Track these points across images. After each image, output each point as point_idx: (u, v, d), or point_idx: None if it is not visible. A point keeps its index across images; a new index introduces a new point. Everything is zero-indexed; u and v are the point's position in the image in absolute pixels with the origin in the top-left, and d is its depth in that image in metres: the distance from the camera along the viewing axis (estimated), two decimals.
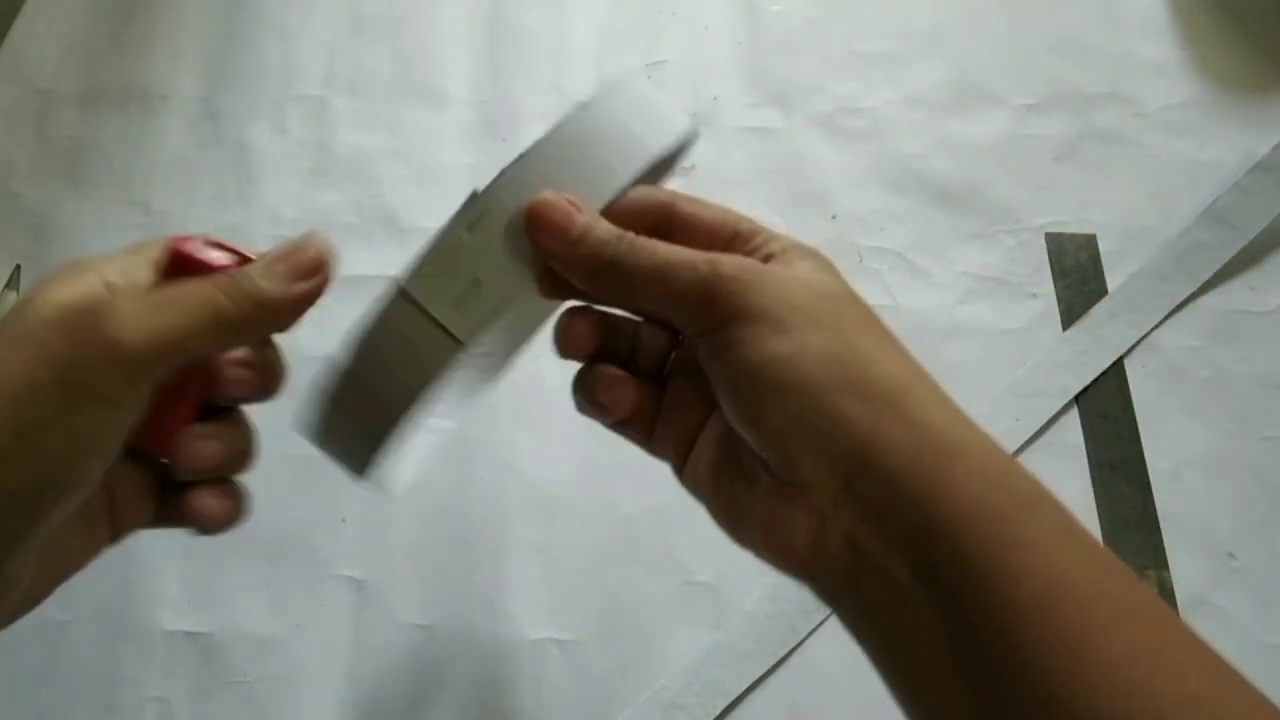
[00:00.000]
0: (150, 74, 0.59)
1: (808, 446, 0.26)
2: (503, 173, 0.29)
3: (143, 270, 0.28)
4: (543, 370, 0.50)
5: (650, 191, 0.31)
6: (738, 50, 0.60)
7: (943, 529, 0.25)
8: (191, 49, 0.60)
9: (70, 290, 0.26)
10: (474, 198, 0.29)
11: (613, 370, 0.32)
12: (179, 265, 0.29)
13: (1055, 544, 0.25)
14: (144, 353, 0.26)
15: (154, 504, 0.31)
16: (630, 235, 0.29)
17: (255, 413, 0.49)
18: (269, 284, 0.28)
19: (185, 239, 0.29)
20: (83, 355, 0.25)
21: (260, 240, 0.54)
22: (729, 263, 0.28)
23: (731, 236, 0.30)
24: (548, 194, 0.28)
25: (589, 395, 0.32)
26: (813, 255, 0.30)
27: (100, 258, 0.28)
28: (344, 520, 0.46)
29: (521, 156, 0.29)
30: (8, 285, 0.52)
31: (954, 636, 0.25)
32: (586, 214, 0.28)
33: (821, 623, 0.44)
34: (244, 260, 0.29)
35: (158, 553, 0.45)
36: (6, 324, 0.26)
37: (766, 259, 0.29)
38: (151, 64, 0.60)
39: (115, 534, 0.30)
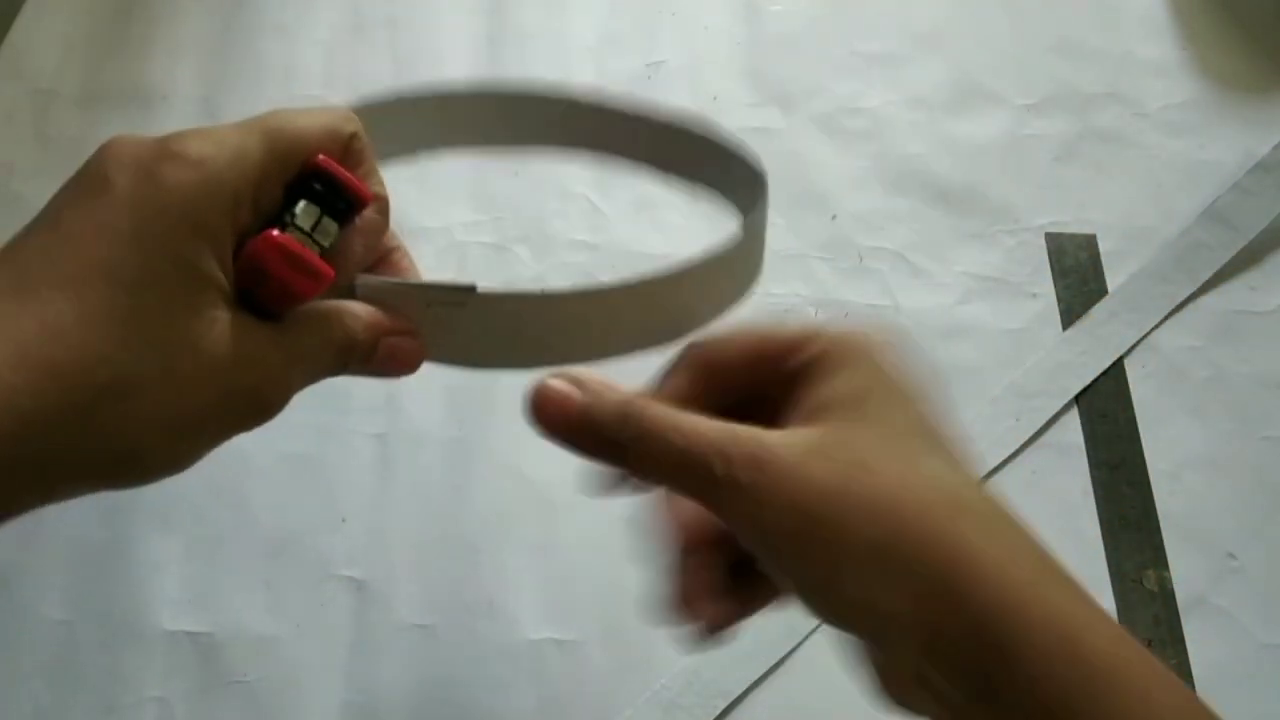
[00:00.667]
0: (150, 74, 0.59)
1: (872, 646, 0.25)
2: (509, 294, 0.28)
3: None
4: (543, 371, 0.50)
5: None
6: (738, 50, 0.60)
7: None
8: (191, 49, 0.60)
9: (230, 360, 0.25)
10: (470, 289, 0.28)
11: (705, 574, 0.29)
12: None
13: None
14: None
15: None
16: (638, 414, 0.26)
17: None
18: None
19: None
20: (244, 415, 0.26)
21: None
22: (745, 463, 0.25)
23: (772, 362, 0.28)
24: (549, 380, 0.27)
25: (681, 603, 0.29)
26: (844, 360, 0.27)
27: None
28: (344, 520, 0.46)
29: (547, 295, 0.28)
30: None
31: None
32: (588, 390, 0.27)
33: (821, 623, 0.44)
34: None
35: (158, 553, 0.45)
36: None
37: (784, 386, 0.27)
38: (151, 64, 0.60)
39: None
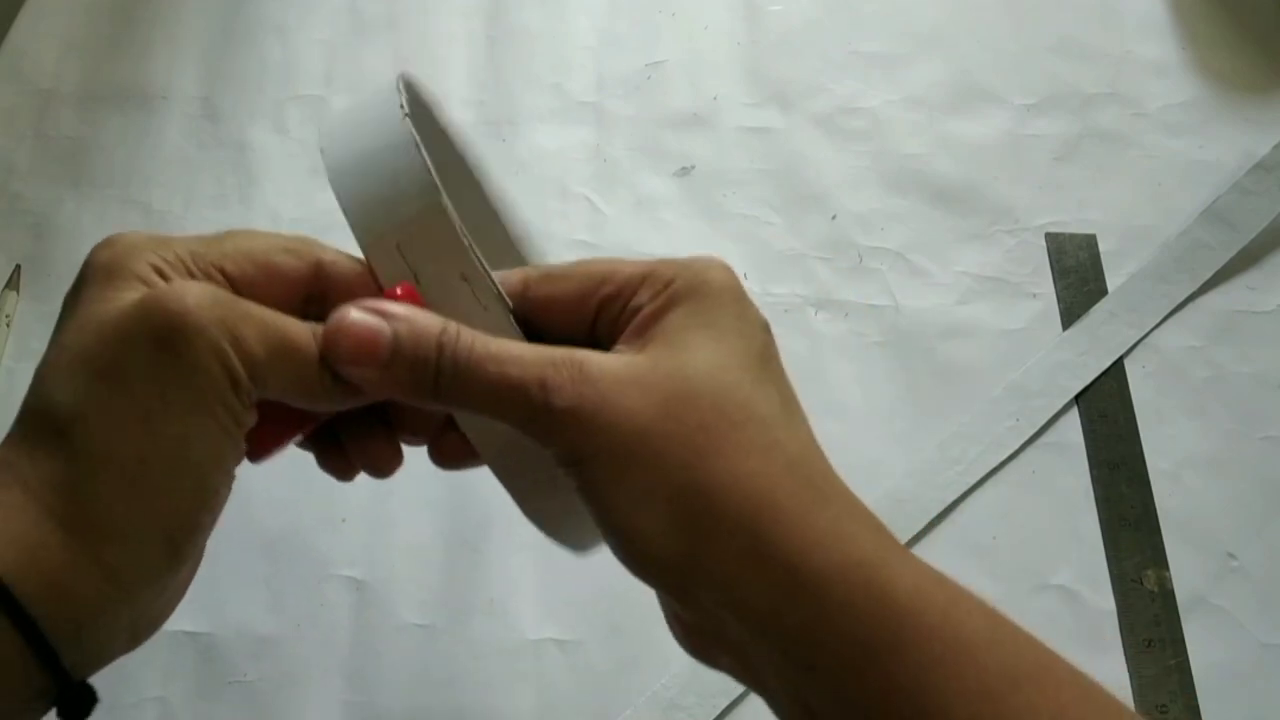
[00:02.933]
0: (150, 74, 0.59)
1: (676, 606, 0.25)
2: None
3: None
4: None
5: (502, 277, 0.28)
6: (738, 50, 0.60)
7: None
8: (191, 49, 0.60)
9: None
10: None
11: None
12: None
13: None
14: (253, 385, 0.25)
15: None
16: (451, 345, 0.24)
17: None
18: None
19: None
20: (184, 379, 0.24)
21: None
22: (562, 387, 0.24)
23: (598, 307, 0.27)
24: (350, 311, 0.25)
25: None
26: (690, 294, 0.26)
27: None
28: (344, 520, 0.46)
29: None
30: (8, 285, 0.52)
31: None
32: (396, 320, 0.25)
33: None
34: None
35: None
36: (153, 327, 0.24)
37: (626, 324, 0.27)
38: (151, 64, 0.60)
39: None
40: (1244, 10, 0.62)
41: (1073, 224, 0.55)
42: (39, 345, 0.52)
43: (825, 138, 0.57)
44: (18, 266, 0.52)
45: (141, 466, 0.23)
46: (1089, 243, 0.54)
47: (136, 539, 0.24)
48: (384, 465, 0.29)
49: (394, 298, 0.26)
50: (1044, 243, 0.54)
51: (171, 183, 0.56)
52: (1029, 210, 0.55)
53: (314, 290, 0.28)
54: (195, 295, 0.24)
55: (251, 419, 0.25)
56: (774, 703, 0.25)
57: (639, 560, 0.25)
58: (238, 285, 0.27)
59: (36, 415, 0.24)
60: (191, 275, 0.26)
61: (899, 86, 0.59)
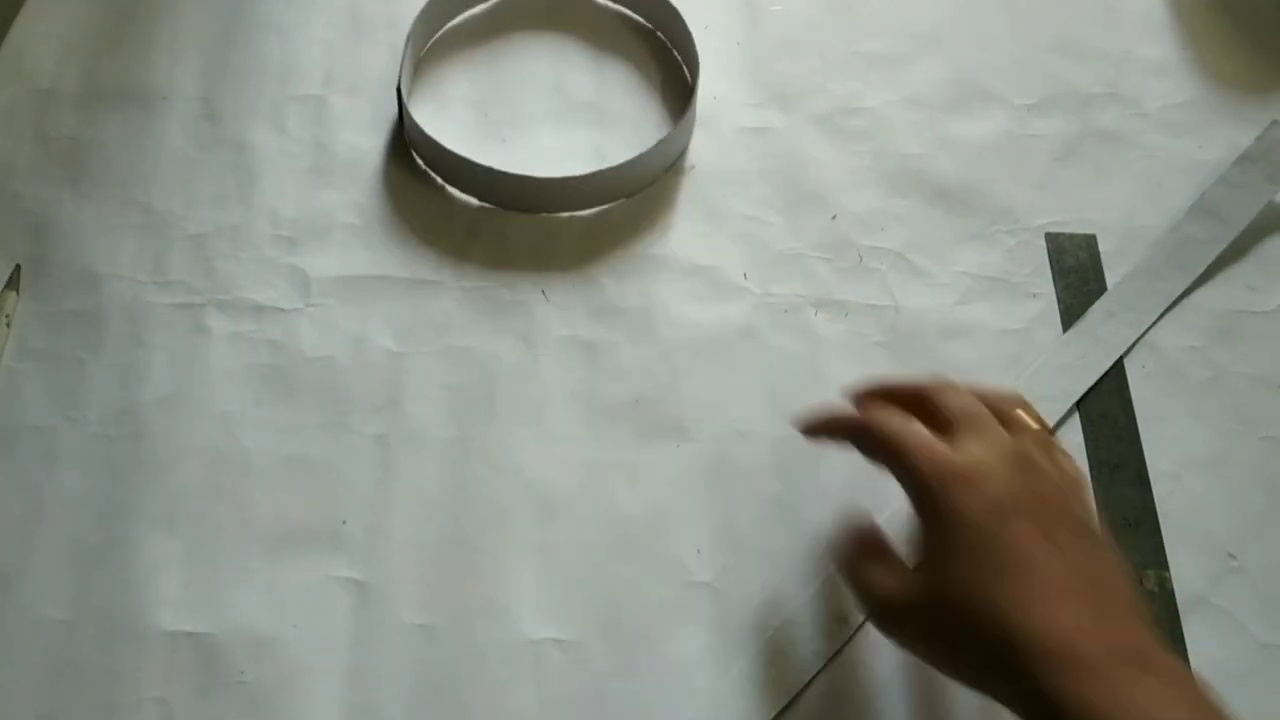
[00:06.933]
0: (150, 74, 0.59)
1: None
2: None
3: None
4: (542, 367, 0.50)
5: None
6: (738, 50, 0.60)
7: None
8: (191, 49, 0.60)
9: None
10: None
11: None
12: None
13: None
14: None
15: None
16: None
17: (257, 410, 0.49)
18: None
19: None
20: None
21: (259, 240, 0.54)
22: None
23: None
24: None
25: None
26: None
27: None
28: (344, 522, 0.46)
29: None
30: (8, 285, 0.52)
31: None
32: None
33: (839, 650, 0.44)
34: None
35: (158, 553, 0.45)
36: None
37: None
38: (151, 64, 0.60)
39: None
40: (1244, 10, 0.62)
41: (1073, 224, 0.55)
42: (39, 345, 0.52)
43: (825, 138, 0.57)
44: (18, 266, 0.52)
45: None
46: (1089, 243, 0.54)
47: None
48: None
49: None
50: (1044, 243, 0.54)
51: (171, 183, 0.56)
52: (1029, 210, 0.55)
53: None
54: None
55: None
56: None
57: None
58: None
59: None
60: None
61: (899, 86, 0.59)
